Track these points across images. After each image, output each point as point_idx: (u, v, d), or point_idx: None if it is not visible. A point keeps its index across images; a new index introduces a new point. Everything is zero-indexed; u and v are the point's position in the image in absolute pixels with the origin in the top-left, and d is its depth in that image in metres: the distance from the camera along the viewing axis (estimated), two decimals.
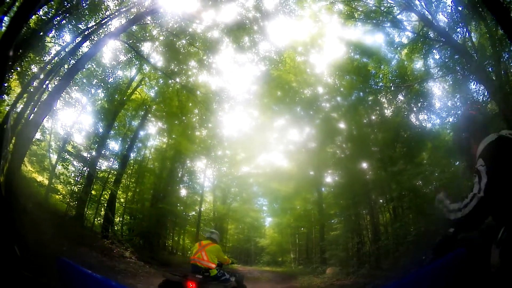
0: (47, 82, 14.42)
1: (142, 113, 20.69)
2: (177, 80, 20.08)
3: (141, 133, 21.46)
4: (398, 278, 3.65)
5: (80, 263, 2.98)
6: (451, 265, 2.71)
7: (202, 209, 23.57)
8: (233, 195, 25.02)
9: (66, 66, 15.34)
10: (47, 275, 4.53)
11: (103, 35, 16.47)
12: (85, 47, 15.99)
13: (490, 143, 2.60)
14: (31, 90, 13.86)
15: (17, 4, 10.40)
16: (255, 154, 23.75)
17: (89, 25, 15.78)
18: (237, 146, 23.87)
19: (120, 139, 19.98)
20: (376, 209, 18.14)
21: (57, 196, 15.45)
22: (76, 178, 16.51)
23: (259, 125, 23.37)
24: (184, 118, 21.17)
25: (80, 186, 16.37)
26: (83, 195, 16.00)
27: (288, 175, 21.91)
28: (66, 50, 15.30)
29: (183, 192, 23.37)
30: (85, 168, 16.94)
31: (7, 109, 12.69)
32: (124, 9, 17.12)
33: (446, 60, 16.24)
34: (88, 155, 17.32)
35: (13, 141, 12.38)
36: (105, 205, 17.38)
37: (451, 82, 16.64)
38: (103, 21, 16.34)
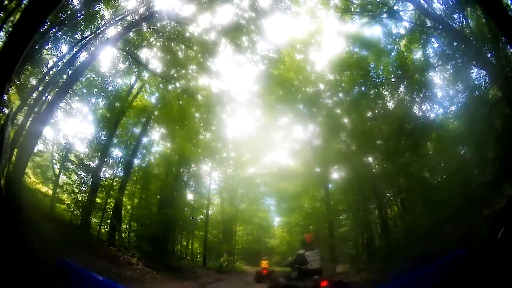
0: (46, 93, 14.52)
1: (144, 119, 20.65)
2: (177, 84, 20.06)
3: (144, 139, 21.51)
4: (399, 277, 3.66)
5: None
6: (451, 265, 2.86)
7: (209, 212, 23.60)
8: (240, 196, 24.91)
9: (64, 77, 15.46)
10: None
11: (99, 44, 16.58)
12: (82, 57, 16.13)
13: None
14: (31, 102, 14.00)
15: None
16: (260, 154, 23.69)
17: (85, 35, 15.87)
18: (241, 147, 23.83)
19: (123, 146, 19.99)
20: (384, 203, 17.92)
21: (62, 206, 15.49)
22: (81, 187, 16.51)
23: (263, 125, 23.31)
24: (186, 122, 21.02)
25: (84, 195, 16.40)
26: (88, 203, 16.05)
27: (294, 174, 21.78)
28: (64, 60, 15.42)
29: (190, 196, 23.33)
30: (88, 177, 16.97)
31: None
32: (119, 17, 17.20)
33: (445, 48, 16.10)
34: (91, 164, 17.35)
35: (14, 152, 12.53)
36: (111, 212, 17.35)
37: (451, 70, 16.37)
38: (99, 30, 16.45)
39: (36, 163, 16.65)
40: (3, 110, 12.17)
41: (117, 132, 19.26)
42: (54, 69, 15.30)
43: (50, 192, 15.82)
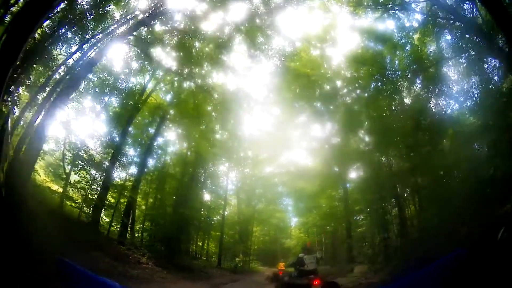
0: (55, 91, 14.58)
1: (159, 118, 20.60)
2: (192, 82, 19.98)
3: (159, 139, 21.44)
4: (400, 277, 3.74)
5: (89, 267, 3.08)
6: (451, 265, 2.82)
7: (226, 212, 23.22)
8: (258, 196, 24.33)
9: (75, 75, 15.52)
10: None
11: (111, 42, 16.58)
12: (93, 55, 16.12)
13: None
14: (41, 100, 14.12)
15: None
16: (278, 153, 23.18)
17: (96, 33, 15.90)
18: (259, 146, 23.42)
19: (138, 145, 20.00)
20: (401, 202, 17.37)
21: (70, 203, 15.48)
22: (91, 185, 16.51)
23: (280, 123, 22.80)
24: (202, 120, 20.91)
25: (94, 192, 16.38)
26: (98, 201, 16.01)
27: (312, 173, 21.13)
28: (74, 58, 15.51)
29: (207, 197, 23.12)
30: (100, 176, 16.97)
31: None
32: (131, 15, 17.20)
33: (458, 40, 15.64)
34: (103, 162, 17.34)
35: (23, 149, 12.64)
36: (123, 211, 17.30)
37: (465, 63, 15.86)
38: (110, 29, 16.49)
39: (47, 161, 16.81)
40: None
41: (131, 131, 19.27)
42: (64, 67, 15.36)
43: (61, 190, 15.83)
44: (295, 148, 23.25)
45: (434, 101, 17.38)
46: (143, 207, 19.88)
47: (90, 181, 16.52)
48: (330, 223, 22.37)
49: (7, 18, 10.43)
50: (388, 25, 18.79)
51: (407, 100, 18.64)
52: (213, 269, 19.50)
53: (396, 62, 18.58)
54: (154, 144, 20.76)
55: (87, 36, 15.54)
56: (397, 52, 18.30)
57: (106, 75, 18.06)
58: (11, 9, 10.75)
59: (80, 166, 16.50)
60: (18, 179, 11.12)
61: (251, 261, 23.30)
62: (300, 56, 20.77)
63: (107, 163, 17.42)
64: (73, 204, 15.45)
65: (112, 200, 17.35)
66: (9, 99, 11.77)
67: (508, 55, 11.96)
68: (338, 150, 20.67)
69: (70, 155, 16.67)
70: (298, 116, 22.45)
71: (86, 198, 15.98)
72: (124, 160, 18.76)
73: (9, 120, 10.97)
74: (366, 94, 20.01)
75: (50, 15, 12.84)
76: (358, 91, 20.64)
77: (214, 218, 23.09)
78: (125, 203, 17.65)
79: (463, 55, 15.45)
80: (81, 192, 15.91)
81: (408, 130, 16.90)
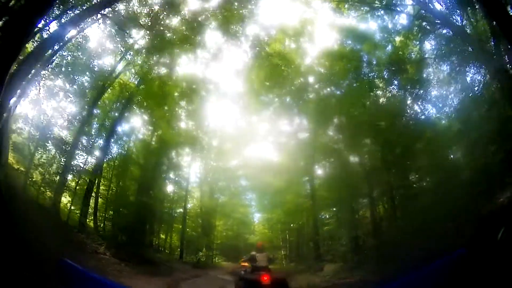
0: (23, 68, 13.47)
1: (124, 101, 19.71)
2: (162, 69, 19.47)
3: (124, 125, 20.63)
4: (399, 277, 3.72)
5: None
6: (451, 265, 2.92)
7: (189, 205, 22.81)
8: (221, 189, 23.92)
9: (44, 51, 14.34)
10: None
11: (81, 17, 15.45)
12: (63, 31, 14.94)
13: None
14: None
15: None
16: (244, 146, 22.75)
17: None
18: (224, 137, 23.04)
19: (101, 129, 18.99)
20: (373, 202, 17.35)
21: (31, 184, 14.46)
22: (52, 166, 15.61)
23: (247, 115, 22.61)
24: (167, 108, 20.46)
25: (55, 176, 15.42)
26: (59, 184, 15.06)
27: (278, 168, 20.97)
28: (45, 34, 14.28)
29: (170, 187, 22.54)
30: (62, 158, 15.99)
31: None
32: None
33: (443, 44, 15.86)
34: (66, 144, 16.28)
35: None
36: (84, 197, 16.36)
37: (448, 68, 16.09)
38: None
39: (14, 140, 15.55)
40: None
41: (96, 113, 18.26)
42: (33, 43, 14.09)
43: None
44: (262, 142, 22.99)
45: (411, 104, 17.53)
46: (106, 194, 18.86)
47: (50, 162, 15.51)
48: (296, 220, 22.16)
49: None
50: (370, 25, 18.91)
51: (382, 100, 18.78)
52: (175, 263, 18.74)
53: (374, 62, 18.64)
54: (118, 129, 19.90)
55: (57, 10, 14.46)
56: (377, 52, 18.37)
57: (77, 52, 16.98)
58: None
59: (44, 146, 15.53)
60: None
61: (214, 256, 22.79)
62: (274, 47, 20.59)
63: (69, 144, 16.37)
64: (34, 187, 14.41)
65: (73, 184, 16.38)
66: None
67: (495, 63, 12.43)
68: (307, 145, 20.63)
69: (37, 134, 15.59)
70: (267, 108, 22.20)
71: (46, 180, 14.97)
72: (87, 143, 17.71)
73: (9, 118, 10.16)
74: (338, 92, 20.10)
75: None
76: (331, 87, 20.59)
77: (178, 211, 22.43)
78: (85, 187, 16.68)
79: (446, 61, 15.68)
80: (41, 173, 14.88)
81: (382, 129, 16.93)
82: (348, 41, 19.52)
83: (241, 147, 22.80)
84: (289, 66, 20.80)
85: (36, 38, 13.79)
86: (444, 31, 15.54)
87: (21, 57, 12.82)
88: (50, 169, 15.43)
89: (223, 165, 23.36)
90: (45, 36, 14.17)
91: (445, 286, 2.89)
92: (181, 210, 22.24)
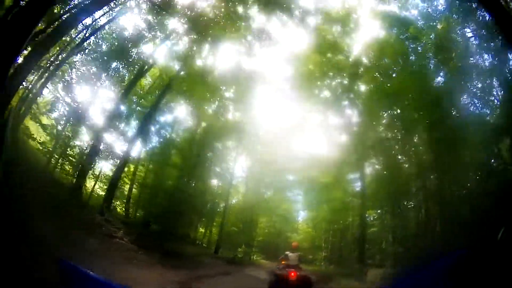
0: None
1: (163, 89, 19.44)
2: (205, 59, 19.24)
3: (167, 114, 20.50)
4: (400, 277, 3.84)
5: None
6: (451, 265, 3.01)
7: (234, 201, 22.55)
8: (267, 184, 22.75)
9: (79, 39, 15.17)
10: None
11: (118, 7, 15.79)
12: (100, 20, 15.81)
13: None
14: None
15: None
16: (292, 138, 21.58)
17: None
18: (272, 129, 21.90)
19: (138, 115, 18.98)
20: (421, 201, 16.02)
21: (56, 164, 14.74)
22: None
23: (297, 108, 21.54)
24: (212, 97, 19.98)
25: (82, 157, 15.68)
26: (86, 165, 15.26)
27: (327, 162, 19.36)
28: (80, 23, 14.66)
29: (214, 182, 22.10)
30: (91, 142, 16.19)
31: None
32: None
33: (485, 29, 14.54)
34: (98, 129, 16.43)
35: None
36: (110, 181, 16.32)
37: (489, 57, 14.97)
38: None
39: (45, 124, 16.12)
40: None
41: (133, 99, 18.26)
42: (68, 31, 14.31)
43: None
44: (311, 134, 21.76)
45: (458, 96, 15.94)
46: (142, 181, 18.91)
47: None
48: (341, 219, 20.59)
49: None
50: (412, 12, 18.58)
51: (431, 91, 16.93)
52: (207, 258, 17.92)
53: (420, 48, 17.92)
54: (157, 117, 19.80)
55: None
56: (422, 41, 17.63)
57: (113, 40, 17.22)
58: None
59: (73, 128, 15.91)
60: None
61: (253, 253, 21.85)
62: (320, 38, 19.73)
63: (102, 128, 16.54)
64: (58, 166, 14.75)
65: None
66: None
67: None
68: (358, 139, 19.34)
69: (66, 118, 16.00)
70: (317, 102, 20.96)
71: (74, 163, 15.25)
72: (122, 128, 17.83)
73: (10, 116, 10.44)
74: (388, 85, 18.62)
75: None
76: (381, 79, 19.38)
77: (221, 205, 21.78)
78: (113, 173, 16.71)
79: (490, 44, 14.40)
80: (68, 155, 15.21)
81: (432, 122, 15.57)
82: (393, 30, 18.80)
83: (289, 140, 21.61)
84: (336, 57, 20.04)
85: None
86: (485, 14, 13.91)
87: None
88: (77, 150, 15.75)
89: (270, 158, 22.02)
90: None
91: (445, 286, 2.93)
92: (224, 204, 21.56)
